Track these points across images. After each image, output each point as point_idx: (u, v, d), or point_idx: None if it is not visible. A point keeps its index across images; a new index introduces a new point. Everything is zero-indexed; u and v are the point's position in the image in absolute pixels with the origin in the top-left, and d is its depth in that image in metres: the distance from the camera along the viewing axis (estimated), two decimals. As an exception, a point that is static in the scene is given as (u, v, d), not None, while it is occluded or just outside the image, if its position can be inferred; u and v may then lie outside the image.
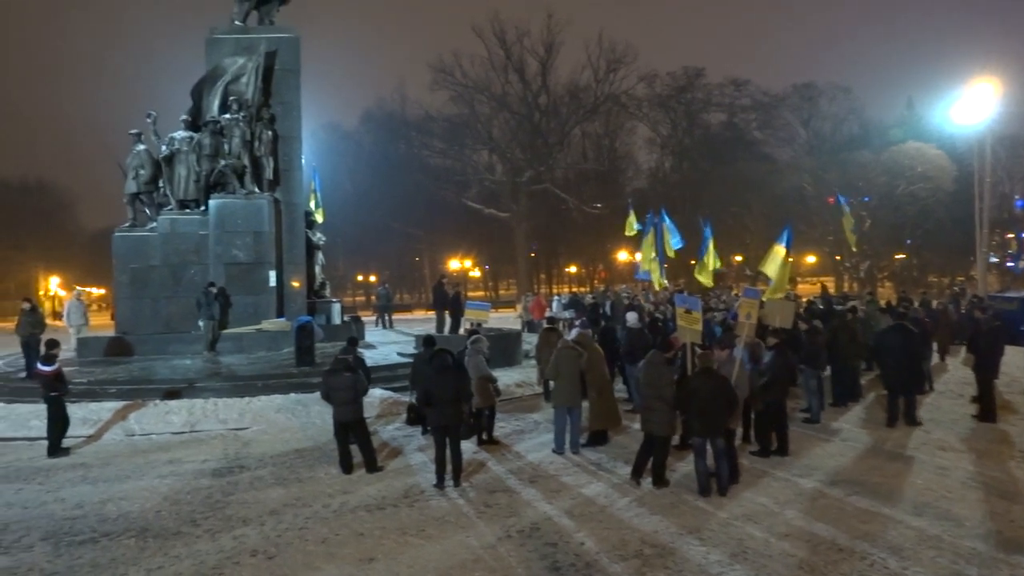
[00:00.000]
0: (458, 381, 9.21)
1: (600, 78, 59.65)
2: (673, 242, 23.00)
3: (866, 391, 14.91)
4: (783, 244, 13.87)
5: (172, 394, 13.97)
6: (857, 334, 14.73)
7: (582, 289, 68.10)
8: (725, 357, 9.94)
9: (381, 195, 57.37)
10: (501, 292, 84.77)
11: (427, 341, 11.70)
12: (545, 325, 17.20)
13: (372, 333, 25.55)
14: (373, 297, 53.63)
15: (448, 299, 22.25)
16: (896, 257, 57.25)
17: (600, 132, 66.22)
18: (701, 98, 63.68)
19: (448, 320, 21.94)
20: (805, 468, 9.70)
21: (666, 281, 24.02)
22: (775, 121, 62.30)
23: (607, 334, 15.26)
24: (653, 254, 21.28)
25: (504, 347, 17.91)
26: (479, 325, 13.57)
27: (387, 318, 30.48)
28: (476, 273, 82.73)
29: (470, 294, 64.94)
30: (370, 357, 17.38)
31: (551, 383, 11.34)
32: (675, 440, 9.92)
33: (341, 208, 49.50)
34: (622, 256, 63.57)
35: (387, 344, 22.02)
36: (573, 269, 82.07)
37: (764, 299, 13.42)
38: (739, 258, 63.17)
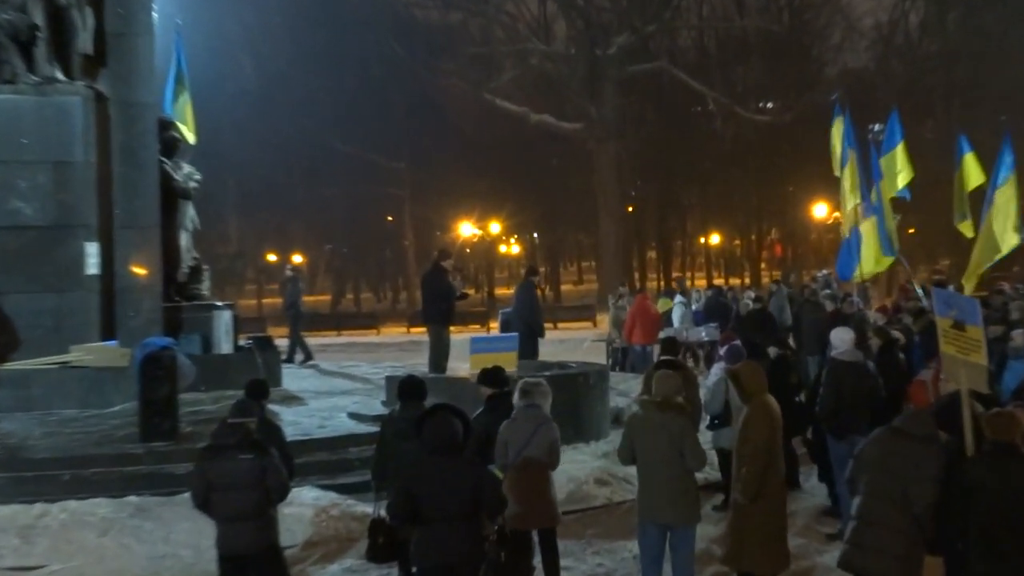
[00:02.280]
0: (476, 473, 9.17)
1: None
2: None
3: None
4: None
5: None
6: None
7: (734, 281, 67.98)
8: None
9: (315, 87, 57.88)
10: (565, 288, 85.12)
11: (408, 389, 11.67)
12: (658, 354, 17.14)
13: (296, 373, 25.90)
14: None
15: (455, 296, 21.89)
16: None
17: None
18: None
19: (444, 341, 21.67)
20: None
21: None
22: None
23: (787, 372, 15.09)
24: (870, 222, 21.03)
25: (570, 402, 17.83)
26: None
27: (296, 337, 30.70)
28: (511, 247, 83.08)
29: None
30: (293, 422, 17.51)
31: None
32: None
33: (234, 115, 50.14)
34: (819, 211, 63.11)
35: (327, 395, 22.23)
36: (715, 239, 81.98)
37: None
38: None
